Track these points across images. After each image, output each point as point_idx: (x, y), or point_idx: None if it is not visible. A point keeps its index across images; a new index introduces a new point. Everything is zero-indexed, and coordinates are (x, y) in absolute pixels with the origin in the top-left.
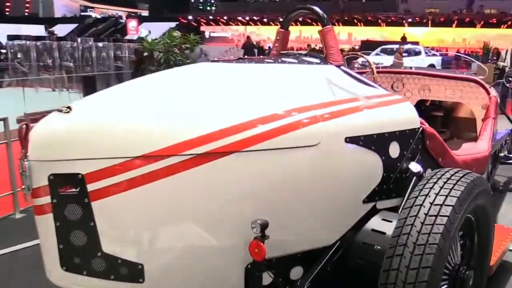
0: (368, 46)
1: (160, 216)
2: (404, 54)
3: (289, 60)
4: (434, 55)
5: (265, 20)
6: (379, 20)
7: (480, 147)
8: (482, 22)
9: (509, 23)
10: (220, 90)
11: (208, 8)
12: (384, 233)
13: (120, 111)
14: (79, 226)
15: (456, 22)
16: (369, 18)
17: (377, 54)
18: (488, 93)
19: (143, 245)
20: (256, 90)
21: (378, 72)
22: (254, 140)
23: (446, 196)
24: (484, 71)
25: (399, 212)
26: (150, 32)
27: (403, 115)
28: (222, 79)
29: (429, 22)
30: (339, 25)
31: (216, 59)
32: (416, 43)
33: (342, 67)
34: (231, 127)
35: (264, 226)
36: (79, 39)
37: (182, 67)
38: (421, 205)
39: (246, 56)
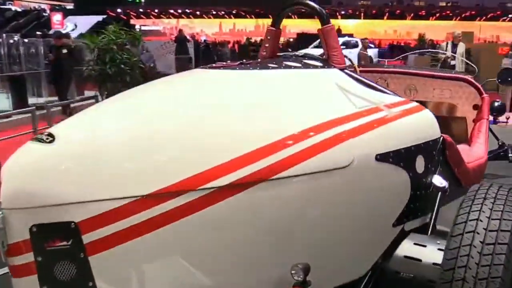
0: (304, 38)
1: (175, 269)
2: (342, 47)
3: (294, 64)
4: (369, 47)
5: (197, 13)
6: None
7: (480, 151)
8: (412, 14)
9: (437, 15)
10: (233, 106)
11: (138, 0)
12: (420, 260)
13: (120, 137)
14: None
15: (387, 14)
16: (303, 10)
17: (315, 47)
18: (481, 93)
19: None
20: (272, 103)
21: (361, 72)
22: (282, 165)
23: (500, 219)
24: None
25: (448, 240)
26: (76, 26)
27: (426, 125)
28: (232, 92)
29: (362, 14)
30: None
31: (214, 64)
32: (351, 35)
33: (346, 70)
34: (255, 151)
35: (306, 270)
36: (4, 35)
37: (179, 76)
38: (474, 231)
39: (245, 60)
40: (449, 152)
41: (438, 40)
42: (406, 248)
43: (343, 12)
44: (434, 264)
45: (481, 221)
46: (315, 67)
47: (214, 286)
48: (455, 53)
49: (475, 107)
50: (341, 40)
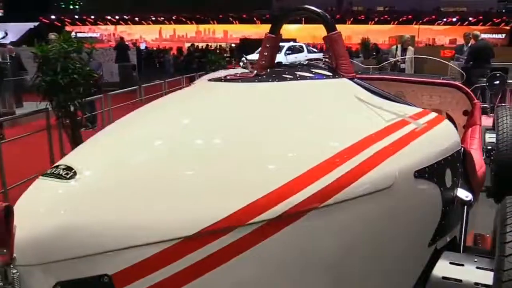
0: (247, 44)
1: None
2: (287, 52)
3: (306, 74)
4: (313, 51)
5: (136, 19)
6: (254, 18)
7: (479, 158)
8: (351, 19)
9: (375, 19)
10: (262, 125)
11: (71, 7)
12: (460, 281)
13: (151, 168)
14: None
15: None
16: (244, 16)
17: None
18: (471, 98)
19: None
20: (302, 120)
21: None
22: (331, 190)
23: None
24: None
25: (499, 260)
26: (7, 33)
27: (450, 136)
28: (256, 109)
29: (302, 19)
30: (213, 23)
31: (227, 76)
32: (294, 39)
33: (356, 80)
34: (301, 176)
35: None
36: None
37: (195, 92)
38: (506, 255)
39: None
40: (468, 162)
41: (380, 44)
42: (443, 268)
43: None
44: (476, 284)
45: None
46: (327, 77)
47: None
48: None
49: (465, 113)
50: (286, 45)
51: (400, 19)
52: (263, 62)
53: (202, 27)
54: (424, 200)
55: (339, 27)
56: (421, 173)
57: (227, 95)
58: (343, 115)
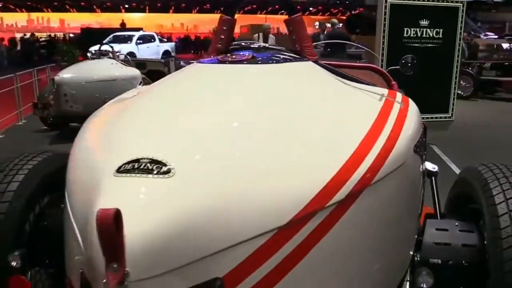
0: (90, 34)
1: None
2: (138, 41)
3: (286, 56)
4: (164, 41)
5: None
6: (94, 6)
7: None
8: (197, 8)
9: (221, 8)
10: (294, 107)
11: None
12: (449, 244)
13: (237, 156)
14: None
15: (173, 7)
16: (83, 3)
17: (109, 42)
18: (388, 80)
19: None
20: (318, 102)
21: None
22: (373, 169)
23: None
24: None
25: (492, 220)
26: None
27: (418, 113)
28: (279, 92)
29: (147, 7)
30: (48, 11)
31: (220, 58)
32: (140, 28)
33: (318, 62)
34: (352, 156)
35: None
36: None
37: (202, 75)
38: (499, 215)
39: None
40: (426, 137)
41: (235, 33)
42: (432, 234)
43: (126, 6)
44: (464, 245)
45: None
46: (302, 59)
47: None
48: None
49: None
50: (136, 34)
51: (246, 9)
52: (220, 45)
53: (34, 15)
54: (417, 173)
55: (184, 16)
56: (416, 148)
57: (246, 78)
58: (345, 96)
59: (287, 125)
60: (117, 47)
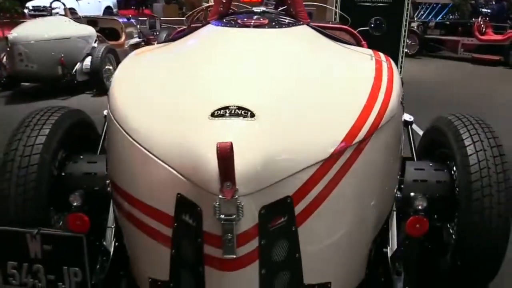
0: None
1: (347, 210)
2: None
3: (288, 21)
4: None
5: None
6: None
7: None
8: None
9: None
10: (314, 65)
11: None
12: (426, 181)
13: (302, 103)
14: (285, 265)
15: None
16: None
17: None
18: (359, 40)
19: (334, 257)
20: (325, 64)
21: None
22: (379, 117)
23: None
24: None
25: (459, 166)
26: None
27: (397, 70)
28: (304, 52)
29: None
30: None
31: (240, 21)
32: None
33: (310, 25)
34: (365, 106)
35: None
36: None
37: (230, 37)
38: (468, 155)
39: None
40: None
41: None
42: (411, 173)
43: None
44: (437, 181)
45: (476, 143)
46: (298, 24)
47: (369, 208)
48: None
49: None
50: None
51: None
52: (221, 8)
53: None
54: (401, 122)
55: None
56: (401, 101)
57: (273, 41)
58: (345, 57)
59: (318, 84)
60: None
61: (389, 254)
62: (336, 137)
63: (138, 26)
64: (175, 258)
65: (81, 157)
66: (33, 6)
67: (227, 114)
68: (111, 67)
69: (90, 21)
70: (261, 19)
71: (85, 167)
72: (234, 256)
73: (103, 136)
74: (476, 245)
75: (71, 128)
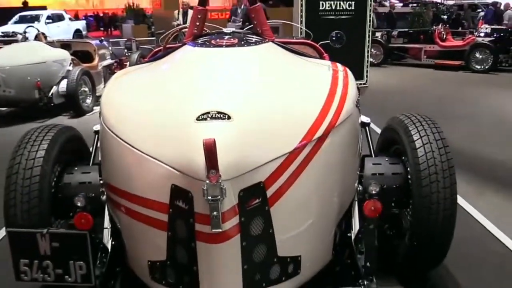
0: None
1: (311, 195)
2: (48, 21)
3: (255, 39)
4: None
5: None
6: None
7: None
8: None
9: None
10: (281, 77)
11: None
12: (383, 173)
13: (267, 110)
14: (261, 239)
15: None
16: None
17: (15, 23)
18: (321, 53)
19: (302, 235)
20: (295, 73)
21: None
22: (335, 118)
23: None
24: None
25: (410, 159)
26: None
27: (353, 77)
28: (271, 67)
29: None
30: None
31: (214, 42)
32: (44, 7)
33: (275, 42)
34: (323, 108)
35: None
36: None
37: (206, 56)
38: (417, 148)
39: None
40: None
41: (147, 8)
42: (370, 168)
43: None
44: (393, 173)
45: (422, 140)
46: (266, 41)
47: (331, 196)
48: (186, 20)
49: None
50: (43, 13)
51: None
52: (195, 30)
53: None
54: (358, 122)
55: None
56: (356, 104)
57: (244, 56)
58: (306, 68)
59: (282, 91)
60: (24, 27)
61: (353, 238)
62: (298, 134)
63: (110, 48)
64: (171, 239)
65: (76, 168)
66: (2, 32)
67: (209, 118)
68: (86, 89)
69: (64, 44)
70: (232, 39)
71: (80, 177)
72: (220, 230)
73: (94, 149)
74: (428, 225)
75: (66, 143)
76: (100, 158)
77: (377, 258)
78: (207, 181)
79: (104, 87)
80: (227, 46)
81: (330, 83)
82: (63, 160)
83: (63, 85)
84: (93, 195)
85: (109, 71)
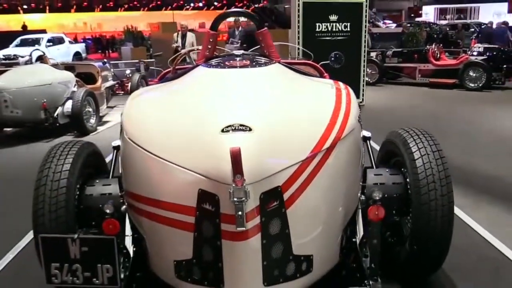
0: None
1: (321, 200)
2: (48, 44)
3: (264, 60)
4: (73, 42)
5: None
6: None
7: None
8: (100, 6)
9: (125, 6)
10: (294, 96)
11: None
12: (384, 183)
13: (283, 120)
14: (279, 238)
15: (75, 7)
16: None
17: (17, 46)
18: (321, 72)
19: (314, 236)
20: (302, 90)
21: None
22: (341, 131)
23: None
24: None
25: (409, 169)
26: None
27: (354, 95)
28: (283, 85)
29: (47, 8)
30: None
31: (228, 63)
32: (43, 30)
33: (281, 62)
34: (330, 123)
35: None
36: None
37: (219, 76)
38: (415, 159)
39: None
40: None
41: (144, 31)
42: (372, 178)
43: (25, 7)
44: (393, 183)
45: (420, 153)
46: (272, 62)
47: (338, 202)
48: (185, 42)
49: None
50: (44, 36)
51: (150, 6)
52: (207, 53)
53: None
54: (360, 136)
55: (86, 14)
56: (358, 119)
57: (256, 77)
58: (312, 86)
59: (293, 104)
60: (25, 50)
61: (358, 243)
62: (310, 144)
63: (111, 70)
64: (197, 239)
65: (97, 181)
66: (3, 55)
67: (232, 130)
68: (90, 109)
69: (67, 66)
70: (244, 61)
71: (101, 189)
72: (244, 229)
73: (113, 163)
74: (427, 230)
75: (87, 157)
76: (121, 171)
77: (381, 261)
78: (233, 185)
79: (107, 107)
80: (241, 67)
81: (335, 100)
82: (85, 173)
83: (68, 105)
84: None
85: (112, 92)
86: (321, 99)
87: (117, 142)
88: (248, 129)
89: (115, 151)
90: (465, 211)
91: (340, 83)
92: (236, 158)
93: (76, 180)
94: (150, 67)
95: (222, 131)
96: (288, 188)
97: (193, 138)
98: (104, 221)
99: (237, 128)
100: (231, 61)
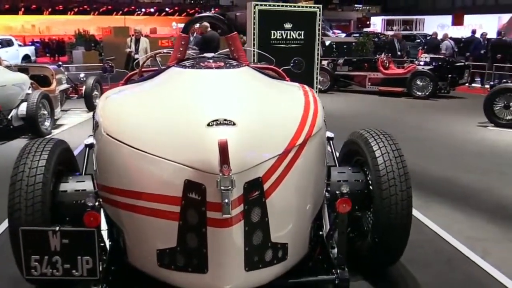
0: None
1: (294, 192)
2: None
3: (235, 63)
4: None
5: None
6: None
7: None
8: (49, 9)
9: (75, 9)
10: (268, 96)
11: None
12: (346, 181)
13: (262, 116)
14: (259, 226)
15: (23, 9)
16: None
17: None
18: (284, 77)
19: (289, 225)
20: (273, 91)
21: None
22: (311, 128)
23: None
24: None
25: (371, 166)
26: None
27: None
28: (256, 86)
29: None
30: None
31: (203, 64)
32: None
33: (250, 66)
34: (301, 121)
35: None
36: None
37: (191, 77)
38: (377, 157)
39: (213, 62)
40: None
41: (96, 35)
42: (336, 175)
43: None
44: (355, 180)
45: (383, 153)
46: (241, 65)
47: (308, 195)
48: (138, 48)
49: None
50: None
51: (101, 10)
52: (179, 55)
53: None
54: (325, 135)
55: (35, 17)
56: (324, 119)
57: (230, 77)
58: (282, 88)
59: (269, 103)
60: None
61: (324, 235)
62: (286, 139)
63: (65, 73)
64: (182, 227)
65: (70, 178)
66: None
67: (218, 124)
68: (45, 112)
69: (21, 68)
70: (218, 62)
71: (75, 185)
72: (230, 216)
73: (86, 160)
74: (388, 223)
75: (61, 154)
76: (95, 167)
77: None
78: (221, 174)
79: (61, 110)
80: (216, 68)
81: (304, 100)
82: (57, 170)
83: (23, 108)
84: None
85: (65, 95)
86: (292, 99)
87: (90, 140)
88: (232, 123)
89: (87, 149)
90: (420, 211)
91: (306, 86)
92: (223, 149)
93: (51, 176)
94: (116, 69)
95: (208, 125)
96: (268, 179)
97: (178, 132)
98: (85, 214)
99: (222, 122)
100: (206, 63)
